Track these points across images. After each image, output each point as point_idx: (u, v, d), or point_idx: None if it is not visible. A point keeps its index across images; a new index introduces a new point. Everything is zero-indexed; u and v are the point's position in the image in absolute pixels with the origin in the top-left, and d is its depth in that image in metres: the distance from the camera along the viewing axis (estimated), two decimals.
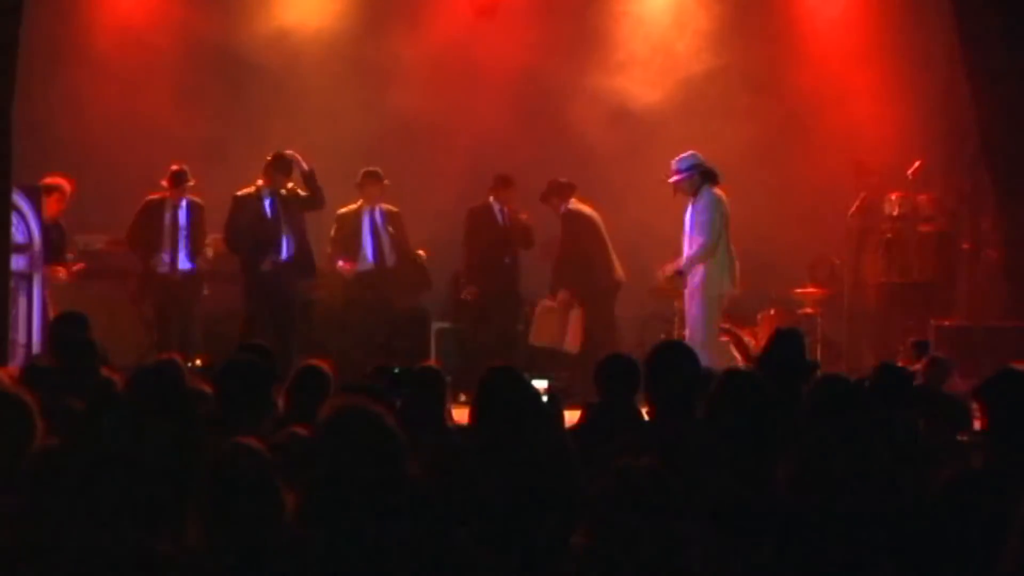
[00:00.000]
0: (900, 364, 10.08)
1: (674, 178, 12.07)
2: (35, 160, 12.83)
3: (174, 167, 13.11)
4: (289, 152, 12.87)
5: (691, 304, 12.15)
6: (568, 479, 4.77)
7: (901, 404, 6.95)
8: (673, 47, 15.37)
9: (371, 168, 13.50)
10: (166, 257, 13.15)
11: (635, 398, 6.58)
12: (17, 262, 12.31)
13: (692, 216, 12.06)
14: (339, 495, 3.78)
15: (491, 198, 13.73)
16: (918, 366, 9.76)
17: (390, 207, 13.59)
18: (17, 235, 12.42)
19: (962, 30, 13.33)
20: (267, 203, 12.82)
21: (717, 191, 12.09)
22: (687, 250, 12.06)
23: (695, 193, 12.03)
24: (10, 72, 10.97)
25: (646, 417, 6.37)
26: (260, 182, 12.85)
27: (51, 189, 12.89)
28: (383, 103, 15.04)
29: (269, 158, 12.83)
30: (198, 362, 10.93)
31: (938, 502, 4.12)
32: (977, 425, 6.52)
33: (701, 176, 12.04)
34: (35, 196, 12.94)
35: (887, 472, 4.77)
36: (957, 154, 14.49)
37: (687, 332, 12.17)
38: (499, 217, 13.76)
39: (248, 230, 12.80)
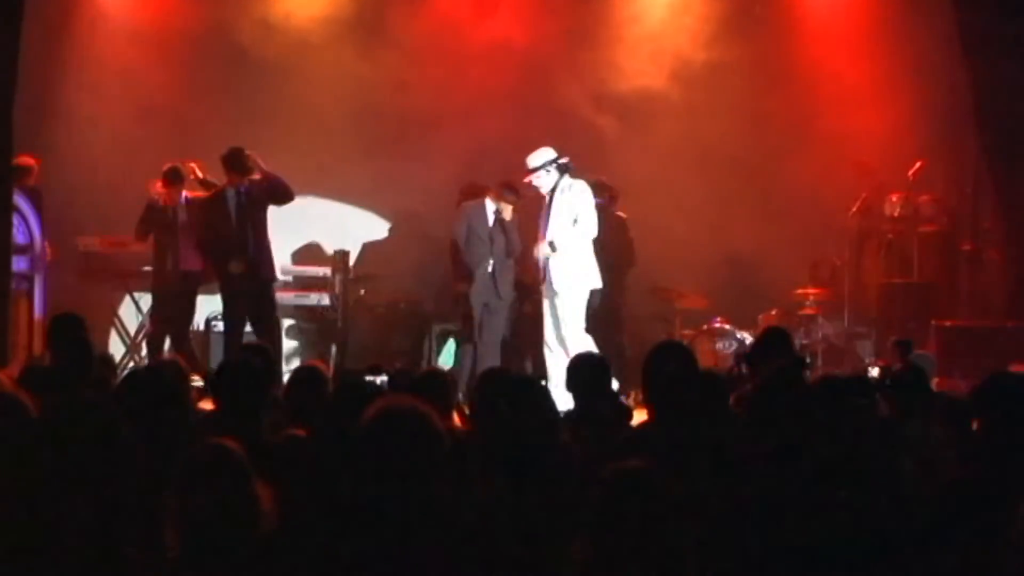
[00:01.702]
0: (884, 363, 10.09)
1: (529, 177, 11.90)
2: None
3: (167, 165, 12.95)
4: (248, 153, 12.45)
5: (561, 300, 11.88)
6: (568, 484, 4.76)
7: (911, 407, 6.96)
8: (671, 45, 15.30)
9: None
10: (170, 258, 13.00)
11: (606, 398, 6.64)
12: (18, 263, 12.32)
13: (554, 208, 11.86)
14: (379, 493, 3.77)
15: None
16: (900, 364, 9.75)
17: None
18: (18, 236, 12.43)
19: (963, 31, 13.33)
20: (231, 202, 12.45)
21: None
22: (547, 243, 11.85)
23: (552, 186, 11.88)
24: (11, 78, 10.97)
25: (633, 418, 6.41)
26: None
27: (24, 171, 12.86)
28: (381, 88, 14.96)
29: (224, 155, 12.44)
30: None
31: (937, 504, 4.12)
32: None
33: (558, 169, 11.91)
34: (35, 198, 12.96)
35: (889, 472, 4.77)
36: (958, 155, 14.46)
37: (558, 331, 11.86)
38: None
39: (214, 231, 12.49)
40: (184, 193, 13.00)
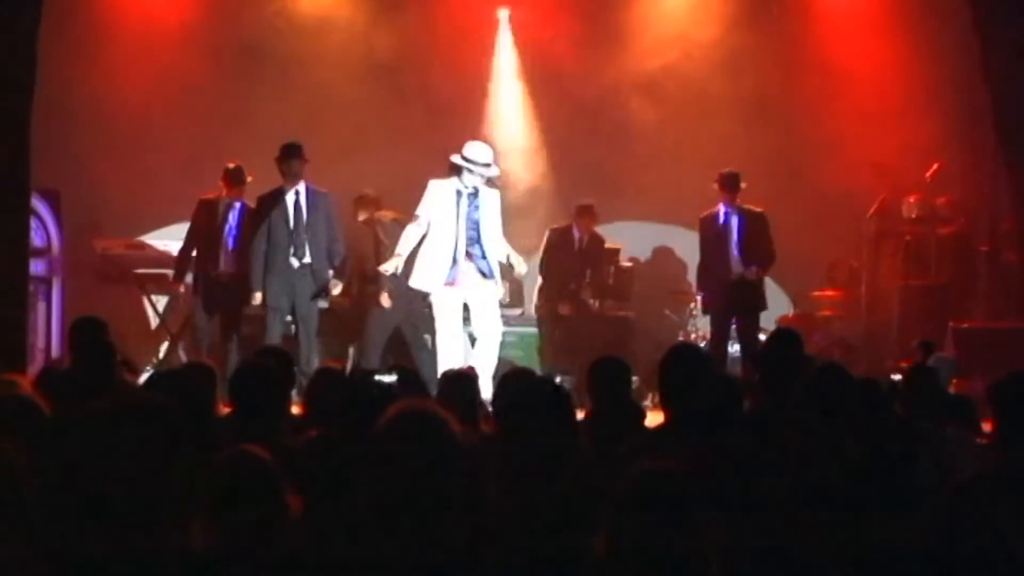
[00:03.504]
0: (905, 364, 10.04)
1: (490, 171, 11.44)
2: (51, 166, 12.78)
3: (230, 164, 12.64)
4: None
5: (491, 306, 11.62)
6: (587, 483, 4.76)
7: (925, 407, 6.96)
8: (687, 46, 15.28)
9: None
10: (218, 258, 12.62)
11: (628, 401, 6.64)
12: (36, 267, 12.34)
13: (486, 209, 11.50)
14: (392, 499, 3.77)
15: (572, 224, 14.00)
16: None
17: None
18: (36, 240, 12.46)
19: (981, 31, 13.29)
20: (291, 199, 12.06)
21: None
22: (483, 251, 11.48)
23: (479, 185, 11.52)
24: (29, 78, 10.99)
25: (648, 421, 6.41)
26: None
27: None
28: (399, 88, 15.00)
29: (284, 145, 12.05)
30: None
31: (952, 505, 4.12)
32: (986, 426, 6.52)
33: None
34: (54, 200, 12.98)
35: (905, 474, 4.77)
36: (975, 156, 14.43)
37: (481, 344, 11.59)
38: (576, 243, 13.97)
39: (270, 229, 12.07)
40: (243, 200, 12.66)
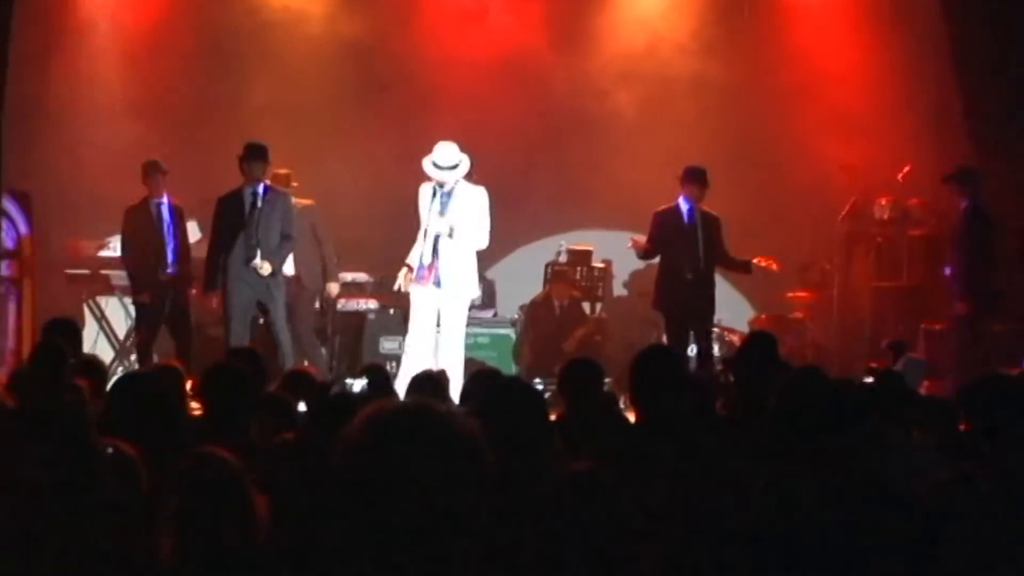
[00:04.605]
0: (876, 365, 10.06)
1: (456, 173, 11.31)
2: (22, 167, 12.73)
3: (145, 160, 12.24)
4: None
5: (458, 315, 11.55)
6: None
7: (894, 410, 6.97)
8: (660, 45, 15.31)
9: None
10: (165, 260, 12.16)
11: (599, 402, 6.65)
12: (7, 268, 12.30)
13: (457, 207, 11.31)
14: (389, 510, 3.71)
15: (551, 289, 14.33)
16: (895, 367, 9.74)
17: None
18: (6, 241, 12.42)
19: (953, 34, 13.35)
20: (248, 200, 11.74)
21: None
22: (446, 251, 11.36)
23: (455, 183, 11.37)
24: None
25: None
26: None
27: None
28: (375, 82, 14.98)
29: (247, 145, 11.76)
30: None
31: (927, 506, 4.13)
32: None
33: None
34: (24, 202, 12.93)
35: (876, 477, 4.77)
36: (947, 158, 14.46)
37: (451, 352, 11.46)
38: (557, 310, 14.26)
39: (228, 231, 11.75)
40: (167, 195, 12.23)
